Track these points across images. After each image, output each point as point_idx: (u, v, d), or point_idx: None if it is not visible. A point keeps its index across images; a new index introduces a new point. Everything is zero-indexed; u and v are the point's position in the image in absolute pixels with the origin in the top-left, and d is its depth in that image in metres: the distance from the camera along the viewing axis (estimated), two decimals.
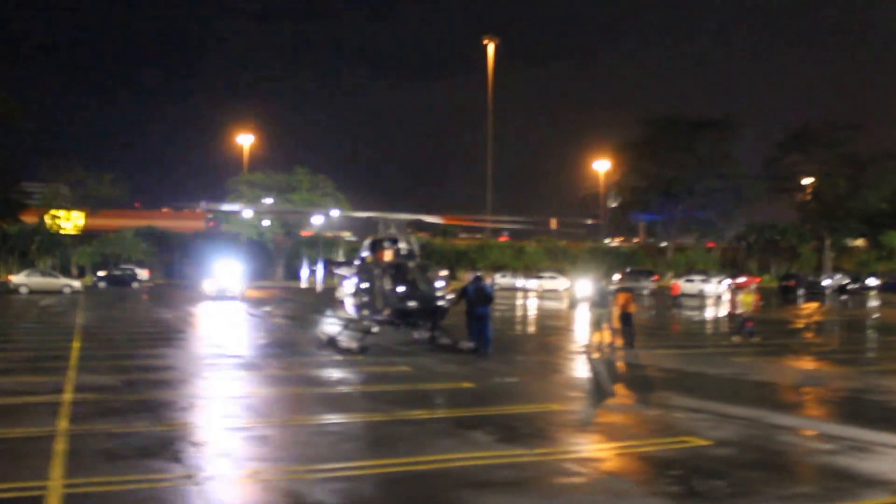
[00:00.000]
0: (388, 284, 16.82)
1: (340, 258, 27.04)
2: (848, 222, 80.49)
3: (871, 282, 65.59)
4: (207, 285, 40.63)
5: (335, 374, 13.76)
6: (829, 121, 79.80)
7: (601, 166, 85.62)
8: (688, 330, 26.66)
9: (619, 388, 13.16)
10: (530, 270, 69.14)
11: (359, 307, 18.10)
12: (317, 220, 69.29)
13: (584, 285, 49.19)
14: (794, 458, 8.03)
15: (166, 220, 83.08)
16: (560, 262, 74.95)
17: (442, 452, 7.81)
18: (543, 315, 32.80)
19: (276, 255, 66.66)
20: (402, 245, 18.57)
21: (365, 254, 19.18)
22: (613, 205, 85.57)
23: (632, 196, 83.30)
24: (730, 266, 79.49)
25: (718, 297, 50.01)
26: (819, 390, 12.86)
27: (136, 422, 9.20)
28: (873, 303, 48.18)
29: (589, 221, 65.61)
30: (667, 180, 79.97)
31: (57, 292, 42.03)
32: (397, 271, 17.12)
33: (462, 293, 17.85)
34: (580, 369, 15.51)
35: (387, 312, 16.85)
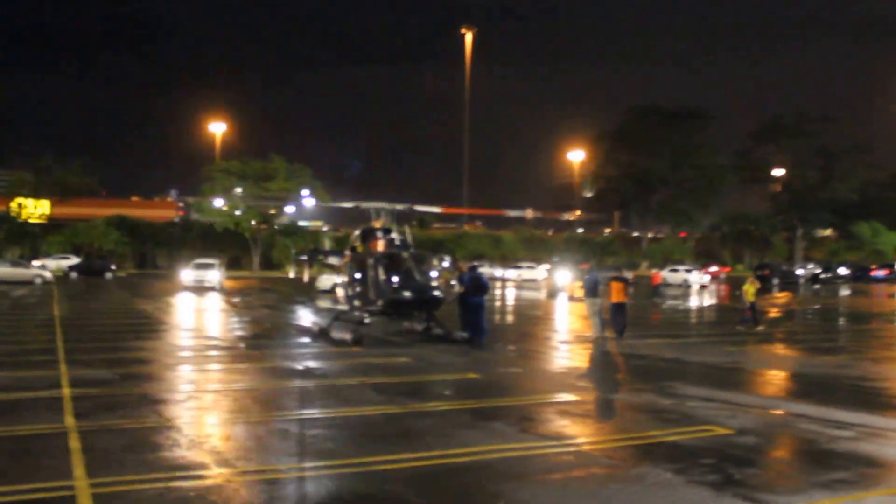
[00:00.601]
0: (381, 275, 16.52)
1: (325, 247, 26.69)
2: (818, 213, 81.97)
3: (842, 271, 66.96)
4: (185, 275, 40.01)
5: (335, 365, 13.53)
6: (802, 113, 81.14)
7: (576, 156, 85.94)
8: (673, 319, 26.84)
9: (627, 378, 13.14)
10: (508, 260, 69.23)
11: (350, 297, 17.83)
12: (290, 209, 68.46)
13: (564, 275, 49.63)
14: (818, 445, 8.02)
15: (136, 209, 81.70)
16: (537, 251, 75.19)
17: (470, 445, 7.66)
18: (527, 305, 32.81)
19: (252, 245, 65.78)
20: (395, 235, 18.33)
21: (357, 244, 18.90)
22: (589, 194, 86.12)
23: (606, 185, 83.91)
24: (704, 256, 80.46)
25: (703, 287, 50.99)
26: (819, 378, 12.95)
27: (145, 417, 8.91)
28: (846, 291, 49.13)
29: (566, 217, 65.89)
30: (642, 170, 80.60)
31: (28, 283, 41.02)
32: (391, 261, 16.83)
33: (458, 282, 17.70)
34: (580, 359, 15.48)
35: (380, 303, 16.58)
